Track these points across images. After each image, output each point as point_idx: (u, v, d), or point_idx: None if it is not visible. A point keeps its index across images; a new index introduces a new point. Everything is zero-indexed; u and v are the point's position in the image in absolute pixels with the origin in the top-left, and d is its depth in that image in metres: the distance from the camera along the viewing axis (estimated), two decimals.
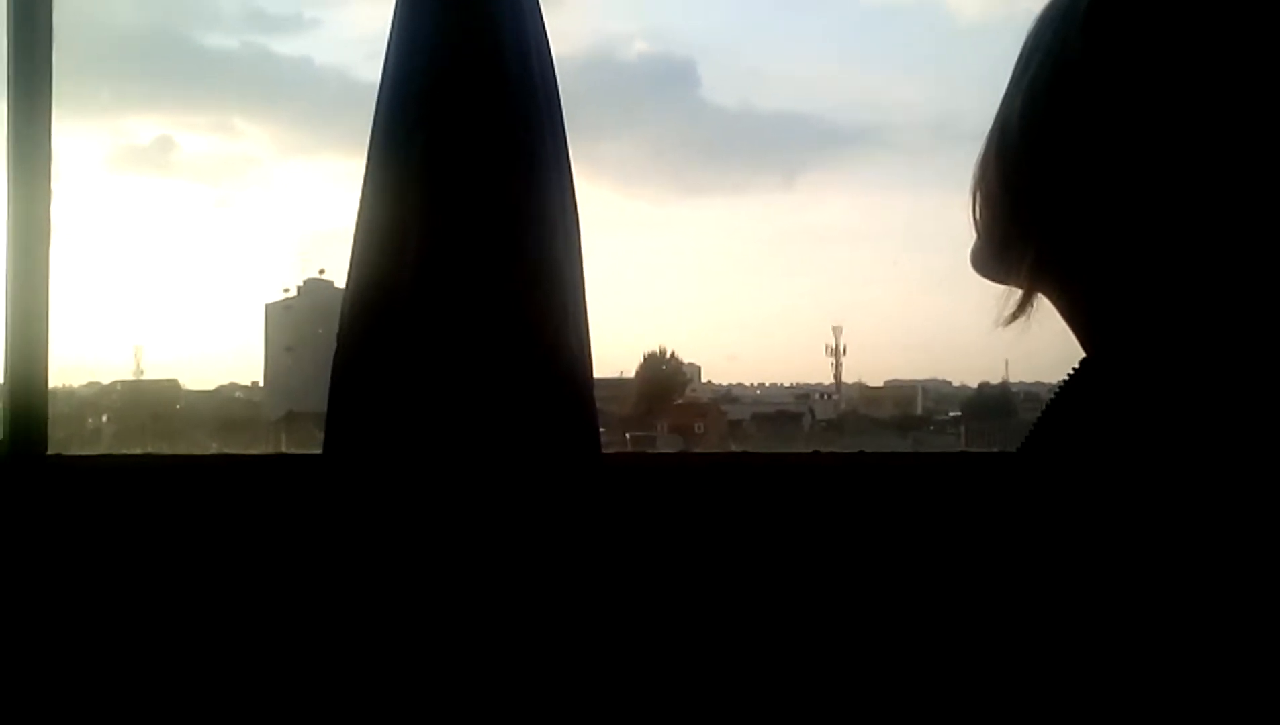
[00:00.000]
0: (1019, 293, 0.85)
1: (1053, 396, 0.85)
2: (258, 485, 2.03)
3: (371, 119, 1.81)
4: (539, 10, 1.79)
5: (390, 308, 1.76)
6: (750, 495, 2.01)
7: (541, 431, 1.79)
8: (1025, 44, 0.88)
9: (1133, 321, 0.78)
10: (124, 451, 3.73)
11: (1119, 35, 0.76)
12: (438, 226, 1.76)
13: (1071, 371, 0.85)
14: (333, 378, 1.83)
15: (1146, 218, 0.73)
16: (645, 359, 11.56)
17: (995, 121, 0.86)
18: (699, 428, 9.38)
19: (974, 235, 0.89)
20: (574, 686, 1.92)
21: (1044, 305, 0.92)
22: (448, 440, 1.78)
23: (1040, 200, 0.79)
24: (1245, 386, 0.67)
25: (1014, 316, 0.87)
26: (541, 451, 1.79)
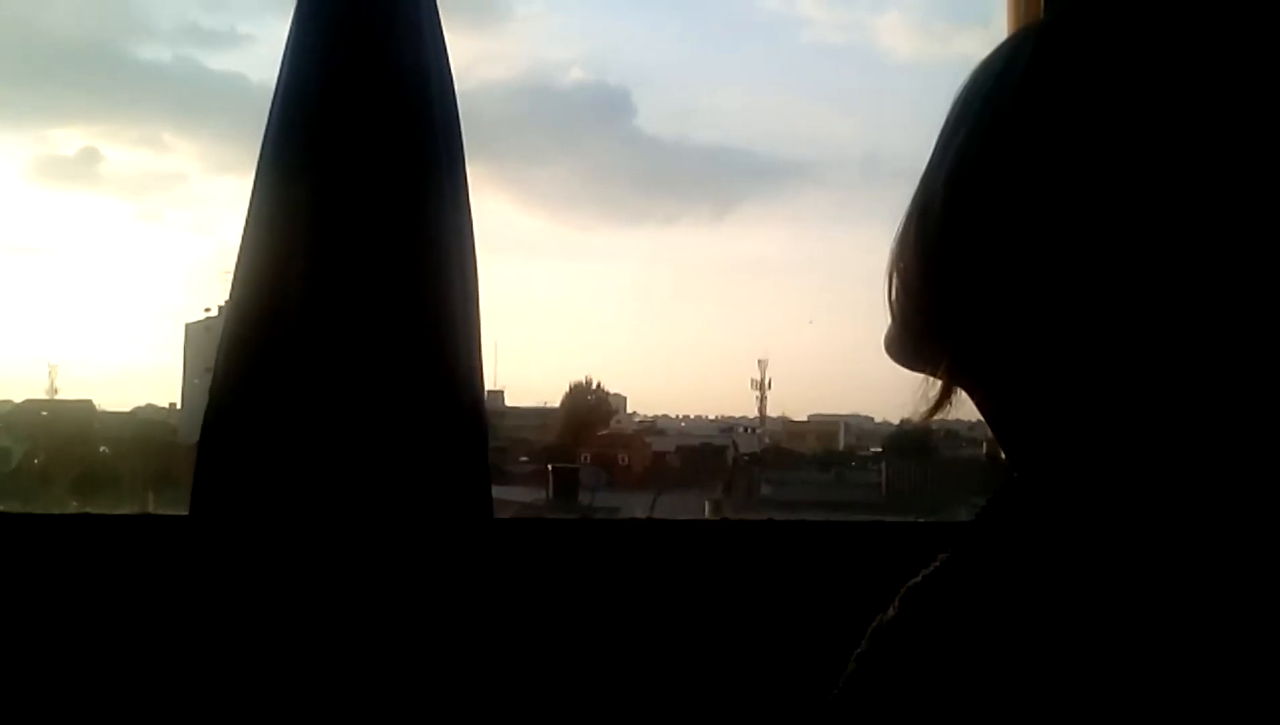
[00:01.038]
0: (939, 383, 0.76)
1: (974, 520, 0.76)
2: (119, 547, 1.84)
3: (260, 145, 1.72)
4: (441, 37, 1.74)
5: (268, 354, 1.65)
6: (655, 562, 1.91)
7: (428, 490, 1.67)
8: (951, 111, 0.75)
9: (1059, 453, 0.68)
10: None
11: (1060, 103, 0.66)
12: (323, 260, 1.67)
13: (991, 496, 0.77)
14: (204, 430, 1.71)
15: (1082, 328, 0.65)
16: (571, 389, 11.48)
17: (916, 196, 0.74)
18: (623, 459, 9.36)
19: (888, 319, 0.78)
20: None
21: None
22: (325, 502, 1.67)
23: (961, 295, 0.70)
24: (1173, 541, 0.59)
25: (933, 412, 0.78)
26: (428, 512, 1.67)
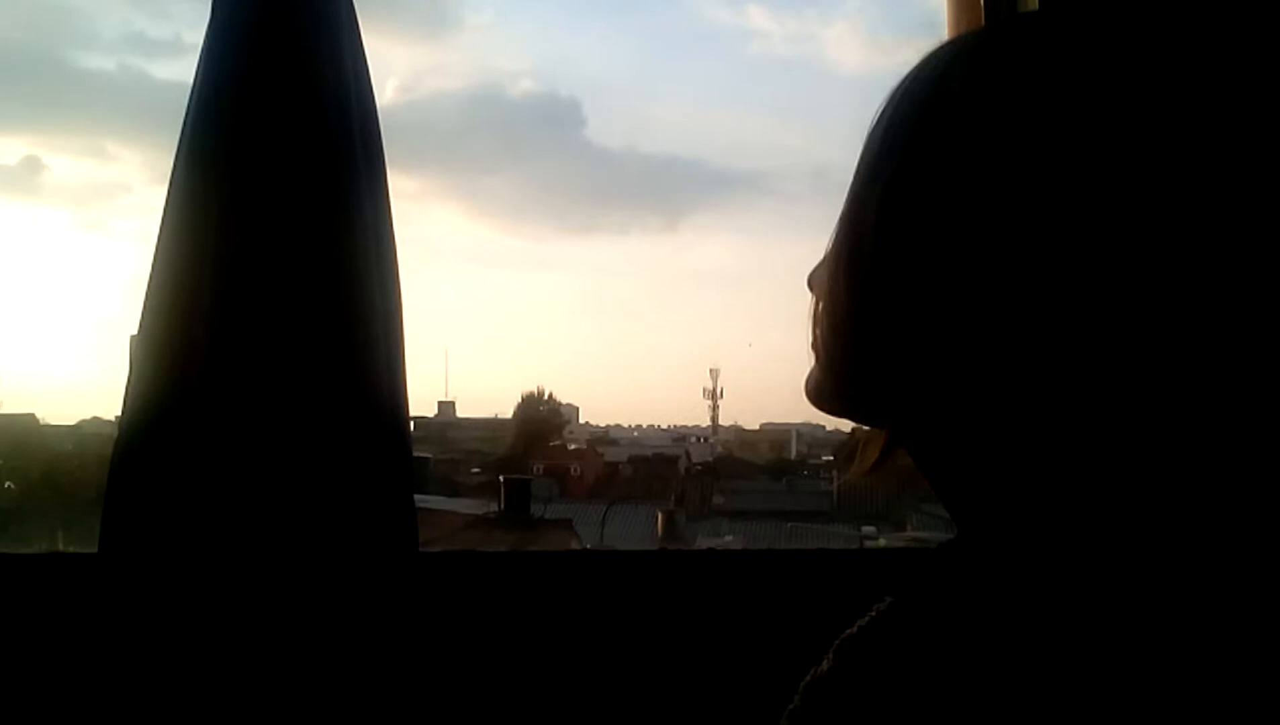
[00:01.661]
0: (873, 438, 0.69)
1: (916, 572, 0.71)
2: (24, 588, 1.72)
3: (173, 158, 1.65)
4: (359, 43, 1.69)
5: (179, 385, 1.58)
6: (590, 596, 1.81)
7: (349, 522, 1.59)
8: (874, 138, 0.69)
9: (999, 509, 0.63)
10: None
11: (999, 130, 0.62)
12: (234, 276, 1.61)
13: (937, 549, 0.72)
14: (113, 464, 1.63)
15: (1026, 377, 0.59)
16: (523, 399, 11.49)
17: (842, 231, 0.64)
18: (576, 470, 9.36)
19: (811, 361, 0.69)
20: None
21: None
22: (242, 540, 1.59)
23: (899, 338, 0.64)
24: (1115, 608, 0.55)
25: (876, 467, 0.70)
26: (348, 546, 1.59)
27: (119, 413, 1.69)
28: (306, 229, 1.68)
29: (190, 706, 1.65)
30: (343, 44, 1.72)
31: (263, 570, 1.67)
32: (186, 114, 1.70)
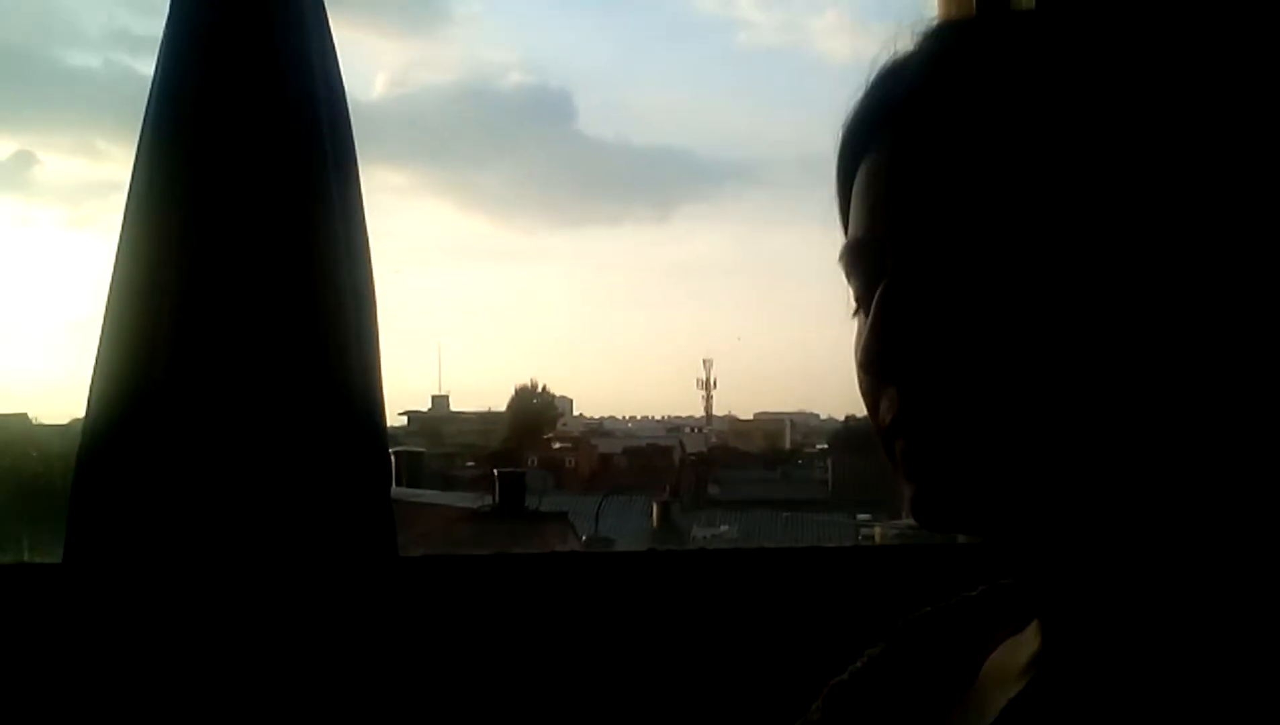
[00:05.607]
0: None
1: (915, 618, 0.65)
2: None
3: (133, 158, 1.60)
4: (328, 33, 1.63)
5: (144, 387, 1.54)
6: (579, 598, 1.73)
7: (324, 527, 1.54)
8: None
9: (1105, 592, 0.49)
10: None
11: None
12: (198, 278, 1.57)
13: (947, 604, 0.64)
14: (78, 470, 1.59)
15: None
16: (516, 392, 11.51)
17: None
18: (570, 462, 9.38)
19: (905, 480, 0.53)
20: None
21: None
22: (212, 546, 1.55)
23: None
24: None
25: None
26: (323, 552, 1.54)
27: (82, 417, 1.64)
28: (270, 226, 1.65)
29: (161, 716, 1.62)
30: (309, 37, 1.69)
31: (234, 577, 1.63)
32: (146, 110, 1.67)
